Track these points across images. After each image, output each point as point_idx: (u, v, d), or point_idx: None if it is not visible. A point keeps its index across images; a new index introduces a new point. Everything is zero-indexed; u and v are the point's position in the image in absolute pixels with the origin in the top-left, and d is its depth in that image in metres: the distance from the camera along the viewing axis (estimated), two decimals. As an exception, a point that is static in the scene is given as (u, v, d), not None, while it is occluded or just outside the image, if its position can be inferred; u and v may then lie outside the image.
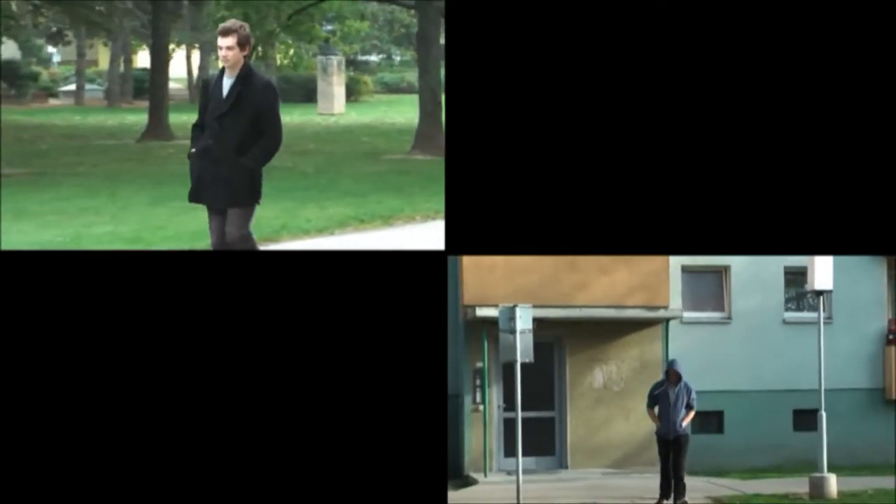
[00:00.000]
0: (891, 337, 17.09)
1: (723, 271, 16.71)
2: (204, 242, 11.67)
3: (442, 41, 26.18)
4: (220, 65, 8.23)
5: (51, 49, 52.38)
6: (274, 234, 14.45)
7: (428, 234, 14.77)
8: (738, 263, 16.61)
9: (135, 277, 6.99)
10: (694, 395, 12.17)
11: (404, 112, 39.29)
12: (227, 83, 8.06)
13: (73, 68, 49.96)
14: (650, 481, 14.26)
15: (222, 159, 8.06)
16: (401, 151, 28.03)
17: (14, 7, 26.89)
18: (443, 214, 9.43)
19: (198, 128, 8.29)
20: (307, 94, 43.44)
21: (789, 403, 16.11)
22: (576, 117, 7.68)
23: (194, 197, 8.39)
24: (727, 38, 7.66)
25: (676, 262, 16.00)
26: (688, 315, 16.26)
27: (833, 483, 12.69)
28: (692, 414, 12.27)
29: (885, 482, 13.49)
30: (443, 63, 20.92)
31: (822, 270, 13.38)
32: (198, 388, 6.95)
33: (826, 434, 13.15)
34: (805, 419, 15.54)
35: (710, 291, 16.78)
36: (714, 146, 7.73)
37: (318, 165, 23.73)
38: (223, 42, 7.97)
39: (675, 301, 15.97)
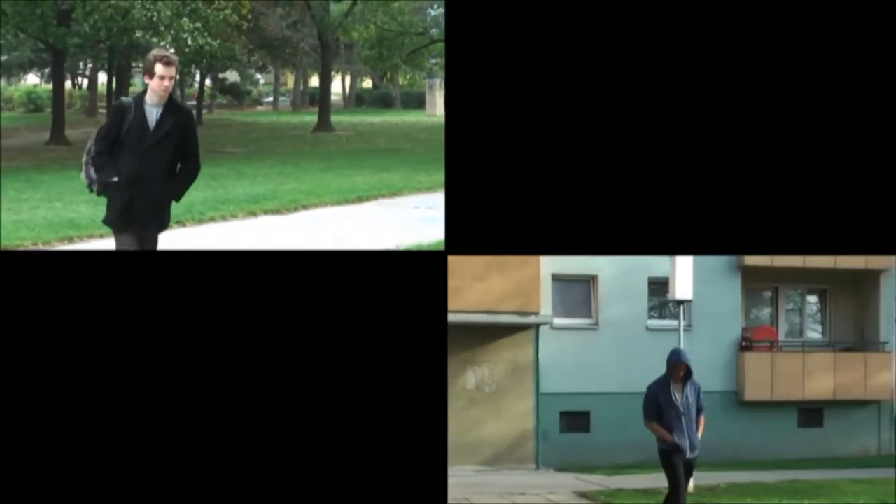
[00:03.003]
0: (745, 343, 17.97)
1: (591, 280, 17.23)
2: (356, 194, 20.63)
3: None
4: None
5: (258, 75, 79.89)
6: (398, 190, 21.69)
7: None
8: (605, 272, 17.14)
9: (136, 277, 6.88)
10: (703, 395, 9.13)
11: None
12: (154, 111, 7.76)
13: (271, 87, 77.46)
14: (520, 478, 14.62)
15: (153, 186, 7.85)
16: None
17: (237, 51, 43.86)
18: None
19: (104, 154, 7.77)
20: (419, 102, 62.99)
21: (652, 405, 16.65)
22: (577, 118, 7.58)
23: (118, 220, 7.90)
24: (712, 43, 7.53)
25: (548, 270, 16.42)
26: (558, 321, 16.70)
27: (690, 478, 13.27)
28: (703, 420, 9.10)
29: (737, 476, 14.18)
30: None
31: (683, 281, 13.72)
32: (198, 387, 6.88)
33: (685, 432, 13.73)
34: (666, 420, 16.13)
35: (579, 299, 17.24)
36: (722, 145, 7.52)
37: (426, 148, 33.68)
38: (167, 72, 7.67)
39: (546, 308, 16.39)
